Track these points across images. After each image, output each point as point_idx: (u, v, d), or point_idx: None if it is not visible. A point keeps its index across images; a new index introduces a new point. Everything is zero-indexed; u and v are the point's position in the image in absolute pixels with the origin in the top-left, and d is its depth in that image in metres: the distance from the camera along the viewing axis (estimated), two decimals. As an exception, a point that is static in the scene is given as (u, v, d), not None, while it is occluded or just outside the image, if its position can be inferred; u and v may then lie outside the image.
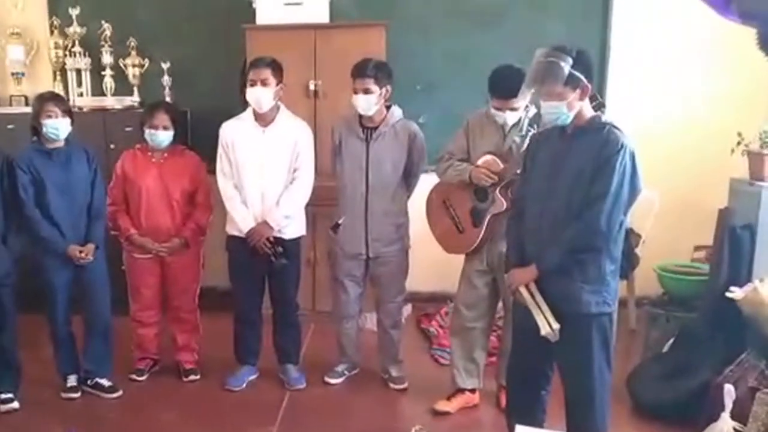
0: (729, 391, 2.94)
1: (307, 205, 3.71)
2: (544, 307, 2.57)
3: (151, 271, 3.76)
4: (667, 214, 4.30)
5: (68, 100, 4.27)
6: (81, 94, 4.89)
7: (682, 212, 4.48)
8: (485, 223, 3.28)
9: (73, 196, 3.49)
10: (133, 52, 4.84)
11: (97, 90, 4.91)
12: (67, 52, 4.90)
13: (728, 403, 2.94)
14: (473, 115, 3.39)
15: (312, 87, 4.45)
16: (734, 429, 2.94)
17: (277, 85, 3.52)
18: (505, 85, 3.08)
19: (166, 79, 4.79)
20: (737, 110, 4.38)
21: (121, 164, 3.74)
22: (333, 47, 4.36)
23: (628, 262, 3.30)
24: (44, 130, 3.41)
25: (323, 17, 4.46)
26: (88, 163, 3.54)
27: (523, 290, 2.63)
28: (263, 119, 3.56)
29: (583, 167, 2.49)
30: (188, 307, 3.86)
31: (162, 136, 3.66)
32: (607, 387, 2.65)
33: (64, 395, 3.64)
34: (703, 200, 4.12)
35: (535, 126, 3.08)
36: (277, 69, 3.52)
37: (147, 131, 3.66)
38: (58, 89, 4.73)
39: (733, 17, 2.64)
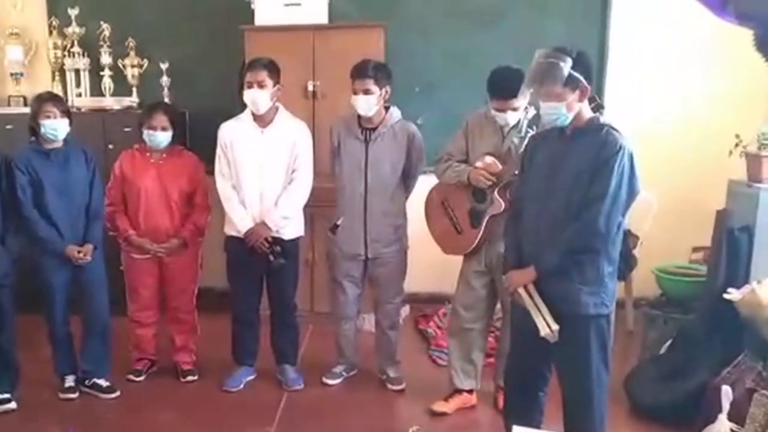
0: (726, 393, 2.94)
1: (306, 206, 3.71)
2: (543, 308, 2.57)
3: (149, 271, 3.76)
4: (665, 216, 4.28)
5: (67, 100, 4.28)
6: (80, 95, 4.88)
7: (680, 213, 4.47)
8: (483, 224, 3.28)
9: (72, 196, 3.49)
10: (132, 53, 4.84)
11: (96, 90, 4.90)
12: (66, 53, 4.90)
13: (725, 405, 2.93)
14: (472, 115, 3.39)
15: (311, 88, 4.44)
16: (731, 430, 2.93)
17: (274, 86, 3.51)
18: (504, 85, 3.08)
19: (164, 80, 4.79)
20: (736, 111, 4.38)
21: (120, 165, 3.74)
22: (332, 48, 4.36)
23: (626, 264, 3.31)
24: (42, 130, 3.41)
25: (322, 18, 4.45)
26: (86, 163, 3.54)
27: (521, 291, 2.63)
28: (262, 120, 3.56)
29: (582, 168, 2.50)
30: (186, 307, 3.86)
31: (160, 137, 3.66)
32: (605, 388, 2.65)
33: (61, 395, 3.63)
34: (702, 201, 4.11)
35: (534, 127, 3.08)
36: (273, 70, 3.51)
37: (145, 132, 3.66)
38: (57, 89, 4.73)
39: (730, 18, 2.64)
